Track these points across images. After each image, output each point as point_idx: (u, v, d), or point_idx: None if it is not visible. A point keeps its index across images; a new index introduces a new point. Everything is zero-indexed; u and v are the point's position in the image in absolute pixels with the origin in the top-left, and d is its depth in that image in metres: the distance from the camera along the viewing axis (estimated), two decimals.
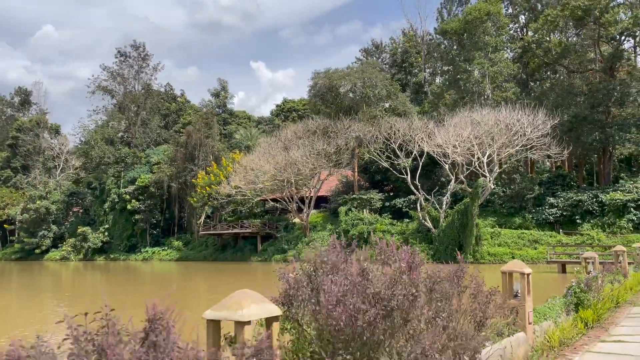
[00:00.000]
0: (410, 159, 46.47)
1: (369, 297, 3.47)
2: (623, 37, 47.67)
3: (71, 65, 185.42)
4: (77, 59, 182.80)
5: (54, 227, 66.87)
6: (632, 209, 41.63)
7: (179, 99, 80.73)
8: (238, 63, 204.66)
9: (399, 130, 45.54)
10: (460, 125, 42.29)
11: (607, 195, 43.20)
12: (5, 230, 72.94)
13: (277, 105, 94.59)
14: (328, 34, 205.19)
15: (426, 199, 46.17)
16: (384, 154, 46.03)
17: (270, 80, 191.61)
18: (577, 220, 43.67)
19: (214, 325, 3.32)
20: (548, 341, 7.03)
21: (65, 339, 2.37)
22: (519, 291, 6.77)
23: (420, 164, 45.92)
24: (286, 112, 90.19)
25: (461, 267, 4.88)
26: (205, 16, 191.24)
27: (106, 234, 63.61)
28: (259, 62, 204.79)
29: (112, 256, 62.49)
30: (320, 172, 50.49)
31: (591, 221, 43.16)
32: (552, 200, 45.95)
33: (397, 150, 46.28)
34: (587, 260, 11.65)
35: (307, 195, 51.79)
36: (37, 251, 65.67)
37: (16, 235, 70.22)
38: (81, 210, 71.21)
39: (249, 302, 3.25)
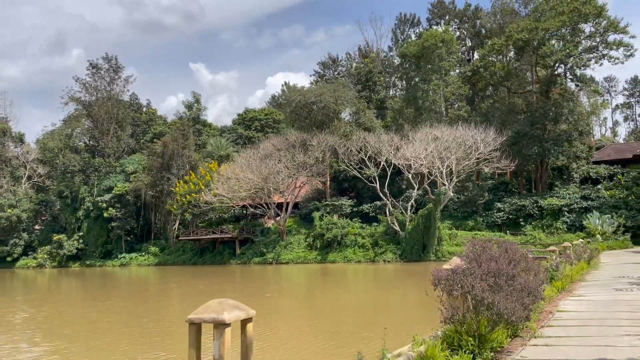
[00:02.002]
0: (379, 169, 52.09)
1: (497, 263, 8.39)
2: (557, 65, 55.44)
3: None
4: (3, 58, 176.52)
5: (24, 235, 67.64)
6: (565, 213, 49.15)
7: (144, 108, 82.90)
8: (177, 64, 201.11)
9: (368, 143, 51.09)
10: (424, 140, 48.38)
11: (545, 201, 50.58)
12: None
13: (238, 115, 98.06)
14: (270, 37, 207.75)
15: (393, 205, 51.92)
16: (357, 165, 51.38)
17: (211, 82, 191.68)
18: (521, 222, 50.75)
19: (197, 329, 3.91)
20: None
21: None
22: None
23: (389, 174, 51.60)
24: (248, 122, 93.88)
25: (513, 248, 9.85)
26: (144, 16, 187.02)
27: (81, 241, 65.27)
28: (198, 63, 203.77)
29: (87, 262, 64.28)
30: (297, 181, 55.17)
31: (532, 223, 50.34)
32: (499, 205, 52.92)
33: (367, 161, 51.83)
34: (551, 252, 17.29)
35: (282, 201, 56.27)
36: (8, 259, 66.24)
37: None
38: (49, 218, 72.07)
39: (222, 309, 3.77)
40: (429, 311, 10.30)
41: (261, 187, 51.99)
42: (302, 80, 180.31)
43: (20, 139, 78.24)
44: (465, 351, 6.58)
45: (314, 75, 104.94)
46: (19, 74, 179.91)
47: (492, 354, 6.88)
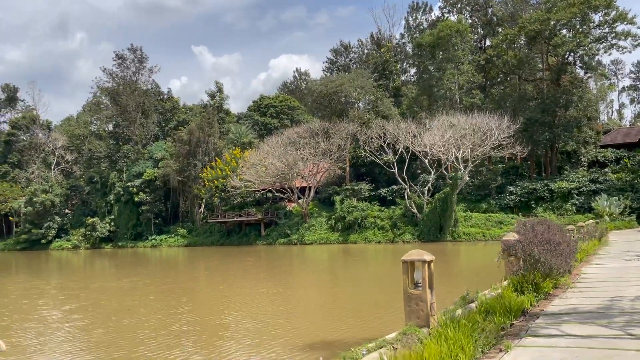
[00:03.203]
0: (397, 155, 55.12)
1: (543, 234, 11.56)
2: (567, 54, 57.93)
3: None
4: (5, 42, 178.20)
5: (57, 219, 71.30)
6: (575, 195, 52.19)
7: (165, 96, 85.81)
8: (179, 47, 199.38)
9: (387, 131, 54.07)
10: (441, 127, 51.31)
11: (555, 184, 53.60)
12: (4, 223, 76.43)
13: (253, 102, 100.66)
14: (272, 19, 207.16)
15: (411, 189, 55.06)
16: (377, 152, 54.43)
17: (213, 65, 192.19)
18: (532, 205, 53.82)
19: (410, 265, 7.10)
20: None
21: None
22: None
23: (407, 160, 54.65)
24: (264, 108, 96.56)
25: (550, 224, 13.00)
26: None
27: (112, 224, 68.89)
28: (201, 46, 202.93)
29: (119, 244, 67.98)
30: (318, 167, 58.30)
31: (543, 205, 53.41)
32: (511, 188, 55.95)
33: (385, 147, 54.86)
34: (569, 230, 20.48)
35: (304, 185, 59.44)
36: (42, 241, 70.04)
37: (19, 227, 73.93)
38: (79, 203, 75.61)
39: (422, 254, 6.97)
40: (445, 283, 13.42)
41: (286, 172, 55.14)
42: (306, 63, 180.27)
43: (48, 127, 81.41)
44: (527, 293, 9.77)
45: (326, 62, 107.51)
46: (21, 58, 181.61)
47: (544, 296, 10.09)
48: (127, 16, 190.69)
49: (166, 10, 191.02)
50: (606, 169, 55.98)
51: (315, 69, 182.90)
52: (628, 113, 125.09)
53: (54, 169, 79.32)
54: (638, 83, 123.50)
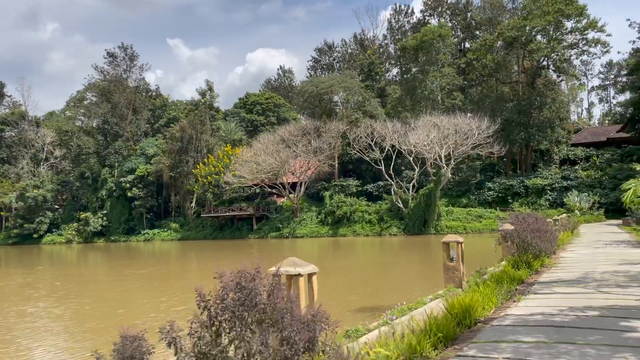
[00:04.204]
0: (384, 153, 58.22)
1: (532, 224, 14.60)
2: (542, 58, 61.81)
3: None
4: None
5: (49, 214, 72.43)
6: (548, 191, 56.16)
7: (153, 93, 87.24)
8: (154, 40, 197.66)
9: (375, 130, 57.12)
10: (425, 127, 54.57)
11: (530, 181, 57.50)
12: None
13: (240, 99, 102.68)
14: (248, 12, 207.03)
15: (398, 185, 58.27)
16: (366, 150, 57.45)
17: (189, 58, 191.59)
18: (509, 200, 57.62)
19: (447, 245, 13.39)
20: None
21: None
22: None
23: (394, 157, 57.81)
24: (250, 105, 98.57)
25: (537, 217, 16.09)
26: None
27: (104, 218, 70.41)
28: (176, 39, 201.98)
29: (112, 238, 69.59)
30: (308, 163, 61.03)
31: (519, 200, 57.24)
32: (489, 184, 59.70)
33: (373, 146, 57.92)
34: (557, 218, 23.76)
35: (295, 181, 62.10)
36: (34, 236, 71.14)
37: (9, 222, 74.71)
38: (69, 198, 76.73)
39: (457, 237, 13.21)
40: (434, 270, 16.38)
41: (279, 169, 57.73)
42: (283, 57, 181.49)
43: (36, 123, 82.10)
44: (522, 269, 12.77)
45: (310, 60, 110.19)
46: None
47: (535, 272, 13.12)
48: (101, 7, 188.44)
49: (141, 2, 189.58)
50: (576, 167, 60.14)
51: (294, 64, 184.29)
52: (597, 112, 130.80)
53: (43, 165, 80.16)
54: (607, 83, 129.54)
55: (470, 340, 6.45)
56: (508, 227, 14.02)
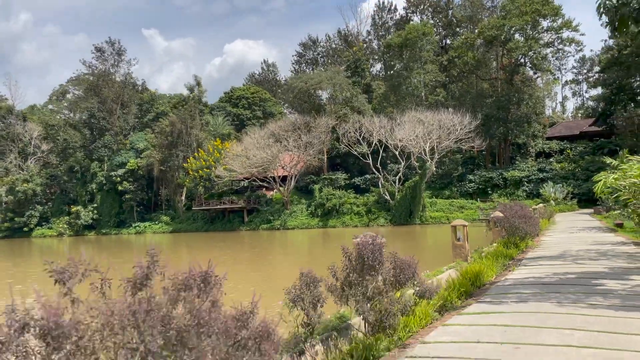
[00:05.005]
0: (372, 148, 60.57)
1: (519, 211, 17.07)
2: (520, 56, 64.81)
3: None
4: None
5: (39, 207, 73.12)
6: (525, 183, 59.30)
7: (139, 87, 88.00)
8: (129, 30, 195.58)
9: (363, 125, 59.43)
10: (412, 123, 57.09)
11: (509, 173, 60.57)
12: None
13: (225, 93, 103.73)
14: (226, 2, 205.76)
15: (385, 178, 60.77)
16: (354, 144, 59.75)
17: (165, 49, 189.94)
18: (489, 191, 60.61)
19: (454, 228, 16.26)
20: None
21: None
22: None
23: (381, 151, 60.23)
24: (235, 100, 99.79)
25: (522, 206, 18.57)
26: None
27: (95, 212, 71.43)
28: (151, 29, 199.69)
29: (103, 231, 70.70)
30: (299, 157, 63.07)
31: (498, 192, 60.26)
32: (470, 177, 62.63)
33: (361, 140, 60.24)
34: (535, 207, 26.40)
35: (285, 174, 64.11)
36: (25, 229, 71.81)
37: (0, 216, 75.09)
38: (58, 191, 77.41)
39: (462, 222, 16.08)
40: (425, 254, 18.79)
41: (269, 163, 59.69)
42: (262, 48, 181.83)
43: (23, 118, 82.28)
44: (511, 249, 15.20)
45: (295, 55, 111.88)
46: None
47: (521, 251, 15.58)
48: None
49: None
50: (551, 159, 63.42)
51: (273, 55, 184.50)
52: (570, 105, 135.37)
53: (30, 159, 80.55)
54: (579, 78, 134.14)
55: (484, 294, 8.77)
56: (498, 214, 16.44)
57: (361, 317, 5.29)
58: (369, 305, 5.18)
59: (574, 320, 6.56)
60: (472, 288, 9.22)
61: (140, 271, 2.82)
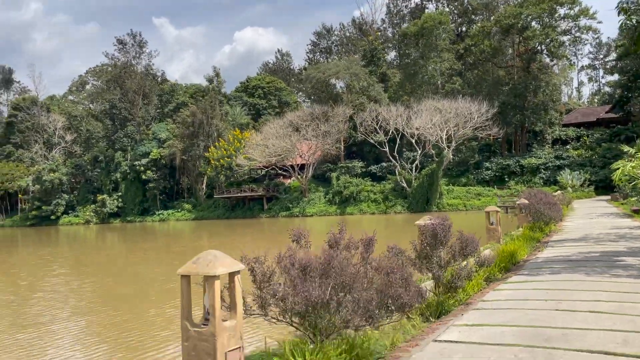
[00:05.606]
0: (388, 136, 61.72)
1: (543, 199, 18.34)
2: (537, 44, 65.25)
3: None
4: None
5: (65, 196, 75.53)
6: (542, 170, 60.12)
7: (159, 78, 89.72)
8: (140, 18, 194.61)
9: (380, 114, 60.57)
10: (428, 111, 58.10)
11: (526, 160, 61.42)
12: (8, 200, 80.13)
13: (241, 83, 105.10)
14: None
15: (402, 166, 61.97)
16: (371, 133, 60.96)
17: (176, 38, 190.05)
18: (506, 179, 61.56)
19: (488, 213, 17.86)
20: None
21: None
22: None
23: (398, 140, 61.38)
24: (251, 89, 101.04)
25: (545, 193, 19.82)
26: None
27: (120, 200, 73.67)
28: (162, 18, 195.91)
29: (127, 219, 72.95)
30: (317, 146, 64.47)
31: (515, 179, 61.17)
32: (487, 164, 63.57)
33: (377, 129, 61.39)
34: (554, 195, 27.56)
35: (303, 163, 65.56)
36: (52, 217, 74.32)
37: (27, 204, 77.73)
38: (83, 180, 79.73)
39: (494, 208, 17.23)
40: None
41: (289, 151, 61.18)
42: (272, 36, 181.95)
43: (47, 109, 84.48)
44: (537, 233, 16.50)
45: (309, 44, 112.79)
46: None
47: (546, 235, 16.88)
48: None
49: None
50: (568, 146, 64.07)
51: (282, 43, 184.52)
52: (586, 91, 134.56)
53: (55, 149, 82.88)
54: (596, 63, 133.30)
55: (520, 269, 10.15)
56: (524, 201, 17.73)
57: (434, 280, 6.71)
58: (442, 271, 6.59)
59: (601, 285, 7.95)
60: (509, 265, 10.59)
61: (333, 237, 4.32)
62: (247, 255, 4.42)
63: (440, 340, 5.46)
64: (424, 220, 7.49)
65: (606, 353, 4.73)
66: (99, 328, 12.63)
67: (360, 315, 4.20)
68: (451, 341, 5.41)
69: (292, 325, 4.65)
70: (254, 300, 4.51)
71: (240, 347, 4.10)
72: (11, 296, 18.62)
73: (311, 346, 4.39)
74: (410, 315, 6.36)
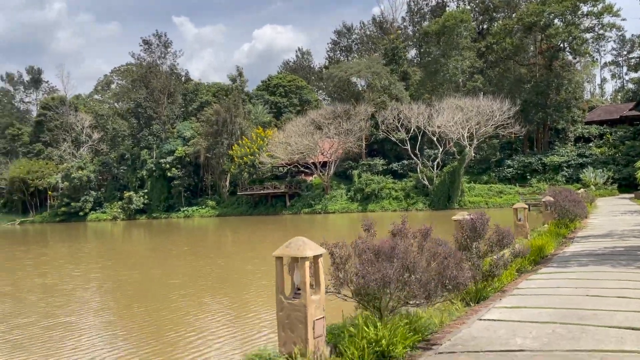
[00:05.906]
0: (410, 134, 62.23)
1: (568, 196, 18.90)
2: (559, 42, 65.05)
3: None
4: None
5: (92, 193, 77.68)
6: (564, 168, 60.07)
7: (183, 77, 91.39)
8: (160, 18, 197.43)
9: (402, 112, 61.12)
10: (450, 109, 58.46)
11: (548, 158, 61.40)
12: (38, 197, 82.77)
13: (262, 81, 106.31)
14: None
15: (423, 164, 62.46)
16: (393, 131, 61.55)
17: (195, 36, 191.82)
18: (527, 177, 61.61)
19: (515, 210, 18.48)
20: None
21: None
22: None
23: (419, 137, 61.86)
24: (272, 88, 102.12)
25: (570, 191, 20.35)
26: None
27: (145, 197, 75.52)
28: (182, 17, 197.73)
29: (153, 215, 74.72)
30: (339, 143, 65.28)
31: (537, 177, 61.21)
32: (509, 162, 63.68)
33: (399, 127, 61.95)
34: (578, 192, 27.96)
35: (325, 160, 66.42)
36: (80, 214, 76.54)
37: (56, 201, 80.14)
38: (110, 178, 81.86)
39: (522, 205, 17.81)
40: None
41: (311, 149, 62.11)
42: (290, 33, 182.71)
43: (75, 108, 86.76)
44: (562, 229, 17.10)
45: (330, 43, 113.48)
46: None
47: (571, 231, 17.46)
48: None
49: None
50: (591, 144, 63.79)
51: (301, 40, 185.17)
52: (609, 88, 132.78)
53: (83, 147, 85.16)
54: (619, 59, 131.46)
55: (549, 262, 10.86)
56: (549, 198, 18.33)
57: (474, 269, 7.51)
58: (480, 260, 7.39)
59: (627, 275, 8.66)
60: (537, 258, 11.30)
61: (396, 227, 5.16)
62: (327, 242, 5.30)
63: (484, 319, 6.27)
64: (462, 215, 8.27)
65: (633, 328, 5.48)
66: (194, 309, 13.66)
67: (422, 293, 5.04)
68: (494, 319, 6.21)
69: (360, 302, 5.50)
70: (329, 280, 5.39)
71: (323, 317, 4.93)
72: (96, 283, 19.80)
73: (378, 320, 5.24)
74: (452, 301, 7.17)
